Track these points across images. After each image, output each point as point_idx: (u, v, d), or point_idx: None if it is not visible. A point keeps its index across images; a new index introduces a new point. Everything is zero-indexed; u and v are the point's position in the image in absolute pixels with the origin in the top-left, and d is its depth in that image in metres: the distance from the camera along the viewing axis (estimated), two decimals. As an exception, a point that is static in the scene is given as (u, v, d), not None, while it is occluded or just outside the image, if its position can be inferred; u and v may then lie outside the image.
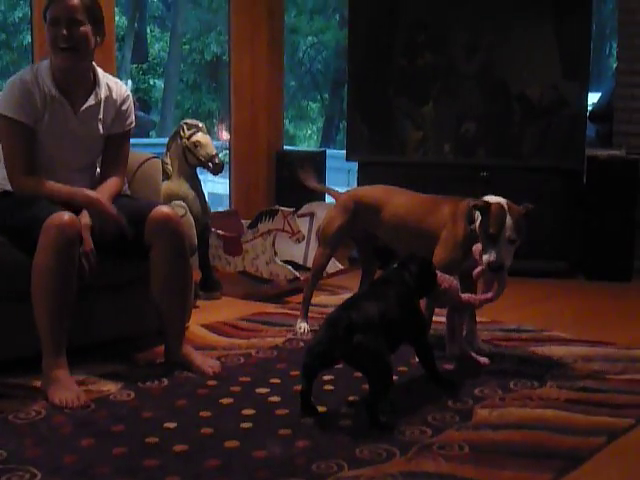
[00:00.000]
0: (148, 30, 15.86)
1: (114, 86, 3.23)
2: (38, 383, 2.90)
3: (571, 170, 5.09)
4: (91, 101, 3.15)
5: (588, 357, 3.39)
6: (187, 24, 15.21)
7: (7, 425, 2.63)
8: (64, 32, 2.99)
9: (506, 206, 3.02)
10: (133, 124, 3.30)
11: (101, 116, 3.19)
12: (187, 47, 15.36)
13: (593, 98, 5.78)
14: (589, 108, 5.40)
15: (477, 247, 3.08)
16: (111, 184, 3.19)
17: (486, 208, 3.03)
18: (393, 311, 2.75)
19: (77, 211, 2.96)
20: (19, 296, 2.89)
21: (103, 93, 3.17)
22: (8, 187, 3.13)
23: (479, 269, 3.05)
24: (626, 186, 4.94)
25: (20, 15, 13.67)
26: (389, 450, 2.46)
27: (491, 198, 3.10)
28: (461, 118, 5.16)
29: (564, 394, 2.96)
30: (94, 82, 3.17)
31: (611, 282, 4.89)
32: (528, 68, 5.06)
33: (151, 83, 15.61)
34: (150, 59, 15.73)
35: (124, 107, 3.25)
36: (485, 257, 3.01)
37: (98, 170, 3.32)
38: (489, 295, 3.11)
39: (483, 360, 3.26)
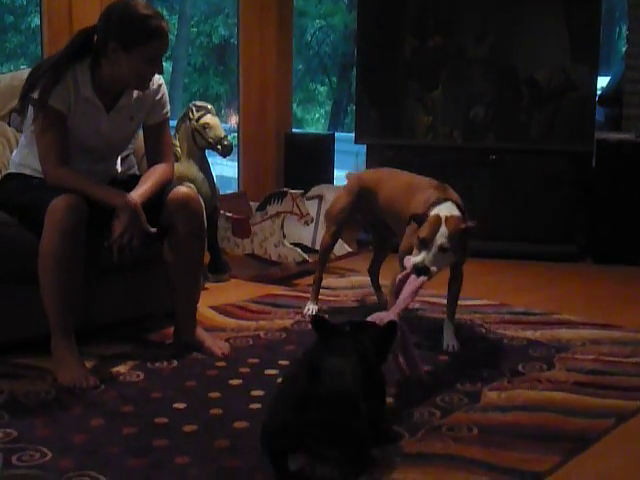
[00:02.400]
0: (155, 13, 15.80)
1: None
2: (48, 364, 2.91)
3: (580, 153, 5.08)
4: (124, 100, 3.08)
5: (596, 340, 3.39)
6: (195, 7, 15.17)
7: (17, 405, 2.65)
8: (160, 70, 3.00)
9: (444, 217, 2.93)
10: (169, 112, 3.24)
11: (133, 114, 3.13)
12: (195, 30, 15.32)
13: (602, 82, 5.75)
14: (598, 92, 5.37)
15: (407, 258, 2.97)
16: (157, 172, 3.11)
17: (422, 218, 2.97)
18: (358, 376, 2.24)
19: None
20: (28, 277, 2.89)
21: (136, 92, 3.09)
22: (23, 170, 3.11)
23: (403, 272, 2.90)
24: (635, 169, 4.92)
25: (27, -2, 13.66)
26: (398, 431, 2.47)
27: (440, 209, 2.99)
28: (470, 101, 5.15)
29: (572, 377, 2.97)
30: None
31: (619, 265, 4.88)
32: (537, 52, 5.04)
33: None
34: (158, 42, 15.67)
35: (158, 97, 3.17)
36: (412, 258, 2.90)
37: (120, 157, 3.32)
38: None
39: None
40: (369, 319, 2.59)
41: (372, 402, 2.27)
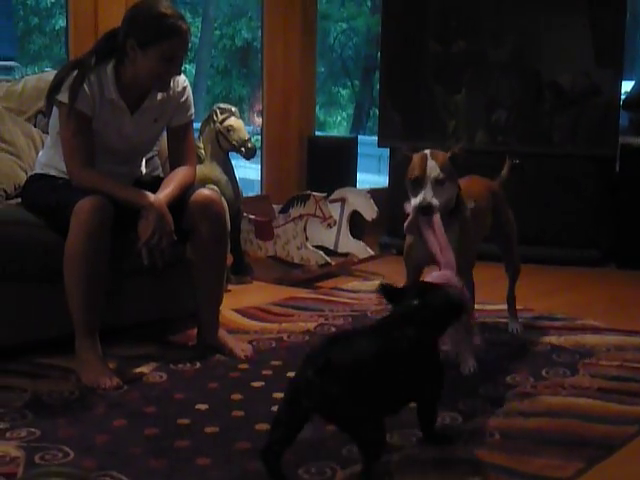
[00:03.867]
0: (179, 15, 15.87)
1: (172, 82, 3.13)
2: (71, 364, 2.92)
3: (604, 157, 5.05)
4: (148, 103, 3.08)
5: (621, 346, 3.37)
6: (218, 10, 15.21)
7: (41, 405, 2.66)
8: (174, 70, 2.98)
9: (429, 153, 2.84)
10: (193, 114, 3.24)
11: (158, 116, 3.14)
12: (218, 32, 15.36)
13: (627, 86, 5.72)
14: (622, 96, 5.34)
15: (407, 204, 2.87)
16: (180, 175, 3.11)
17: (407, 158, 2.87)
18: (398, 357, 2.20)
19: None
20: (53, 277, 2.91)
21: (161, 94, 3.10)
22: (49, 171, 3.13)
23: (408, 220, 2.82)
24: (660, 174, 4.89)
25: (52, 0, 13.74)
26: (420, 436, 2.46)
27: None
28: (493, 105, 5.13)
29: (596, 383, 2.95)
30: None
31: (644, 271, 4.85)
32: (561, 55, 5.02)
33: (182, 68, 15.62)
34: (181, 44, 15.73)
35: (182, 100, 3.17)
36: (412, 201, 2.79)
37: (144, 159, 3.34)
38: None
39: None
40: (434, 277, 2.54)
41: (427, 377, 2.30)
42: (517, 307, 3.61)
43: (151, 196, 2.94)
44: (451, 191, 2.86)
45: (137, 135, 3.14)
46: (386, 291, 2.37)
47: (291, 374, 2.92)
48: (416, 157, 2.84)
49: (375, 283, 4.34)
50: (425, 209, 2.75)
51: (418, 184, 2.79)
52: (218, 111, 4.24)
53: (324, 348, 2.11)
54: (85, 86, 2.95)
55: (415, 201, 2.77)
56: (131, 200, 2.93)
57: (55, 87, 2.99)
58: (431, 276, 2.56)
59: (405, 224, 2.81)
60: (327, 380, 2.01)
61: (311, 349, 2.23)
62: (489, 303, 3.79)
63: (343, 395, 2.02)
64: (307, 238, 4.49)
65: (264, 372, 3.00)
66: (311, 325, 3.60)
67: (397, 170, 2.99)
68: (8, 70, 8.36)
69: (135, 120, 3.09)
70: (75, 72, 2.97)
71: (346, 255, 4.76)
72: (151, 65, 2.94)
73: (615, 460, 2.39)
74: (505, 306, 3.59)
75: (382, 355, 2.14)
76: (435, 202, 2.75)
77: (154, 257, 2.92)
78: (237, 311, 3.78)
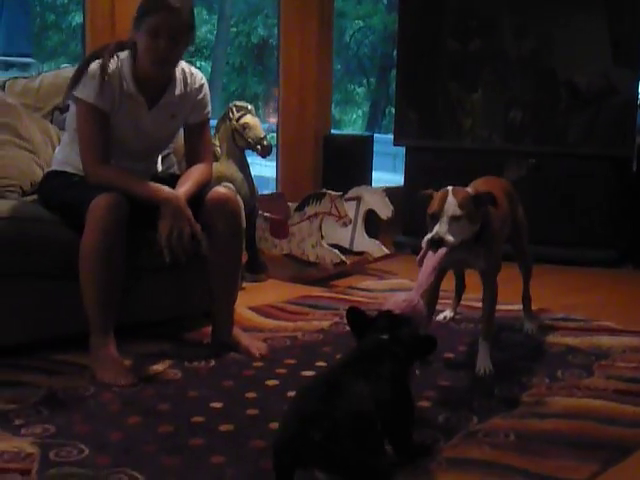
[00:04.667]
0: (196, 13, 15.90)
1: (189, 79, 3.14)
2: (87, 361, 2.93)
3: (621, 158, 5.02)
4: (166, 99, 3.08)
5: (637, 348, 3.35)
6: (234, 7, 15.21)
7: (56, 401, 2.67)
8: (163, 46, 2.91)
9: (450, 190, 2.82)
10: (210, 112, 3.23)
11: (175, 113, 3.14)
12: (234, 30, 15.36)
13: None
14: (639, 96, 5.32)
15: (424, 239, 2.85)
16: (197, 172, 3.10)
17: (429, 196, 2.86)
18: (384, 395, 2.12)
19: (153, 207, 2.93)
20: (69, 274, 2.92)
21: (178, 90, 3.09)
22: (65, 168, 3.14)
23: (420, 253, 2.77)
24: (678, 175, 4.87)
25: (69, -4, 13.77)
26: (434, 436, 2.46)
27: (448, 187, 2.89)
28: (510, 104, 5.12)
29: (612, 384, 2.93)
30: (170, 77, 3.09)
31: (660, 272, 4.83)
32: (578, 55, 5.00)
33: (198, 65, 15.64)
34: (197, 41, 15.77)
35: (200, 97, 3.17)
36: (427, 235, 2.76)
37: (161, 156, 3.35)
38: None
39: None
40: (390, 302, 2.45)
41: (399, 411, 2.20)
42: (533, 308, 3.60)
43: (168, 191, 2.94)
44: (468, 229, 2.81)
45: (154, 131, 3.14)
46: (353, 320, 2.33)
47: (305, 373, 2.95)
48: (438, 193, 2.84)
49: (392, 282, 4.36)
50: (436, 243, 2.72)
51: (435, 219, 2.78)
52: (234, 109, 4.24)
53: (320, 404, 1.96)
54: (104, 81, 2.95)
55: (428, 235, 2.75)
56: (147, 195, 2.93)
57: (74, 83, 3.00)
58: (396, 301, 2.47)
59: (417, 257, 2.77)
60: (339, 442, 1.90)
61: (299, 404, 2.05)
62: (504, 303, 3.77)
63: (355, 451, 1.92)
64: (322, 236, 4.48)
65: (278, 370, 3.00)
66: (326, 324, 3.60)
67: (416, 210, 2.93)
68: (25, 67, 8.38)
69: (152, 115, 3.09)
70: (93, 67, 2.97)
71: (361, 254, 4.76)
72: (142, 44, 2.94)
73: (630, 463, 2.38)
74: (520, 306, 3.58)
75: (374, 398, 2.05)
76: (449, 238, 2.72)
77: (176, 253, 2.90)
78: (252, 309, 3.78)
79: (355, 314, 2.36)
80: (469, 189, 2.91)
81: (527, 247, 3.47)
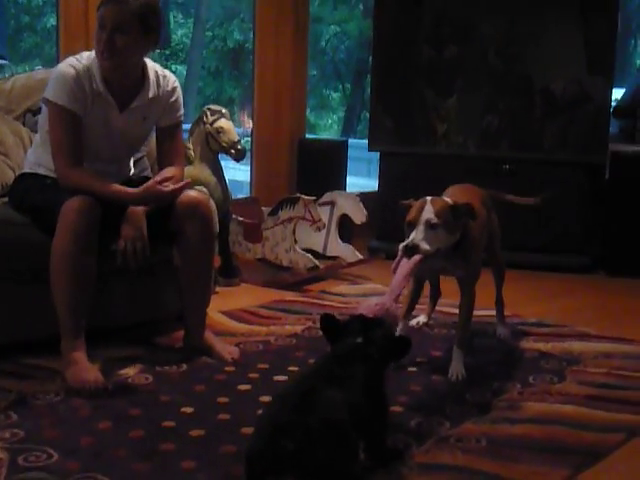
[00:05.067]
0: (171, 16, 15.86)
1: (162, 81, 3.14)
2: (57, 365, 2.90)
3: (594, 165, 5.06)
4: (137, 102, 3.07)
5: (609, 353, 3.37)
6: (210, 11, 15.20)
7: (25, 406, 2.64)
8: (105, 38, 2.91)
9: (429, 199, 2.83)
10: (182, 115, 3.24)
11: (147, 115, 3.13)
12: (210, 34, 15.35)
13: (617, 93, 5.73)
14: (613, 103, 5.36)
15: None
16: (168, 175, 3.07)
17: (408, 206, 2.86)
18: (358, 399, 2.11)
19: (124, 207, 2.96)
20: (39, 277, 2.90)
21: (151, 92, 3.09)
22: (37, 170, 3.12)
23: (395, 260, 2.76)
24: (650, 182, 4.90)
25: (44, -2, 13.70)
26: (406, 441, 2.45)
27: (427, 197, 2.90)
28: (485, 111, 5.14)
29: (584, 390, 2.95)
30: (143, 80, 3.08)
31: (633, 278, 4.86)
32: (553, 62, 5.03)
33: (173, 69, 15.62)
34: (173, 45, 15.73)
35: (172, 100, 3.17)
36: (402, 243, 2.77)
37: (132, 160, 3.33)
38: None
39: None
40: (363, 306, 2.47)
41: (374, 414, 2.19)
42: (506, 313, 3.61)
43: (134, 191, 2.96)
44: (445, 238, 2.81)
45: (126, 133, 3.13)
46: (326, 326, 2.33)
47: (278, 377, 2.94)
48: (416, 203, 2.85)
49: (365, 287, 4.36)
50: (411, 250, 2.71)
51: (411, 227, 2.78)
52: (208, 112, 4.22)
53: (293, 413, 1.94)
54: (74, 83, 2.95)
55: (404, 242, 2.75)
56: (118, 199, 2.93)
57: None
58: (368, 305, 2.47)
59: (392, 264, 2.75)
60: (313, 452, 1.88)
61: (272, 413, 2.03)
62: (477, 309, 3.78)
63: (329, 460, 1.91)
64: (296, 241, 4.48)
65: (251, 375, 2.98)
66: (298, 328, 3.59)
67: (391, 216, 2.91)
68: (-1, 68, 8.34)
69: (124, 118, 3.08)
70: (63, 68, 2.97)
71: (335, 259, 4.76)
72: (94, 34, 2.97)
73: (601, 468, 2.39)
74: (493, 312, 3.59)
75: (348, 404, 2.03)
76: (424, 245, 2.72)
77: (128, 260, 2.96)
78: (224, 313, 3.77)
79: (327, 320, 2.35)
80: (448, 199, 2.91)
81: (500, 252, 3.48)
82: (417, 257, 2.70)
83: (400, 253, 2.73)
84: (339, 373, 2.13)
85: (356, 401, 2.08)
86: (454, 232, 2.85)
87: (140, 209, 2.99)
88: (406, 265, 2.70)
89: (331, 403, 2.00)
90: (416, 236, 2.74)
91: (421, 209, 2.79)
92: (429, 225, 2.76)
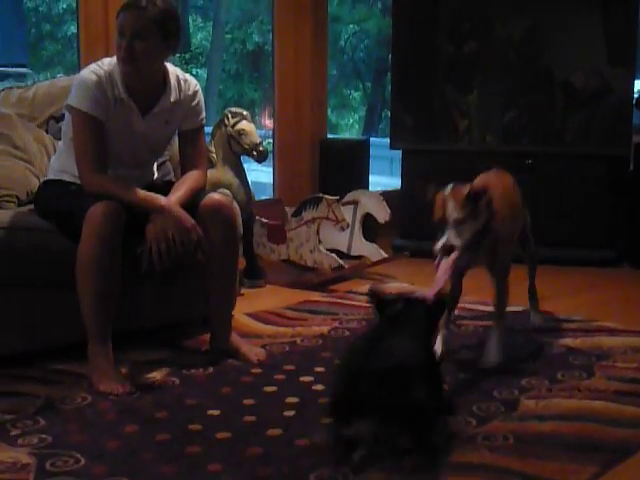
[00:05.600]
0: (190, 20, 15.91)
1: (183, 85, 3.14)
2: (84, 370, 2.92)
3: (617, 157, 5.02)
4: (159, 106, 3.08)
5: (637, 348, 3.33)
6: (229, 13, 15.22)
7: (53, 410, 2.66)
8: (125, 44, 2.93)
9: (448, 192, 2.94)
10: (204, 119, 3.24)
11: (169, 119, 3.14)
12: (229, 36, 15.37)
13: (639, 85, 5.69)
14: (635, 95, 5.31)
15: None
16: (191, 179, 3.11)
17: (430, 195, 3.00)
18: (418, 353, 2.38)
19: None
20: (65, 283, 2.91)
21: (173, 97, 3.10)
22: (61, 176, 3.14)
23: (436, 260, 2.93)
24: (674, 174, 4.86)
25: (64, 6, 13.76)
26: (435, 440, 2.44)
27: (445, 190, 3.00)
28: (506, 106, 5.11)
29: (613, 385, 2.92)
30: (164, 84, 3.09)
31: (659, 271, 4.82)
32: (573, 55, 5.00)
33: (194, 73, 15.65)
34: (193, 48, 15.78)
35: (194, 103, 3.18)
36: (437, 243, 2.91)
37: (155, 164, 3.34)
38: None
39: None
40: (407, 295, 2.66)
41: (430, 366, 2.42)
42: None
43: (163, 199, 2.94)
44: (473, 227, 2.93)
45: (149, 137, 3.14)
46: (374, 298, 2.54)
47: (304, 378, 2.94)
48: (438, 198, 2.95)
49: (390, 285, 4.35)
50: (447, 251, 2.86)
51: (441, 226, 2.90)
52: (229, 115, 4.23)
53: (369, 358, 2.23)
54: (97, 89, 2.96)
55: (439, 243, 2.88)
56: (142, 204, 2.93)
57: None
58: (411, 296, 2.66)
59: (435, 263, 2.91)
60: (389, 392, 2.15)
61: (349, 363, 2.32)
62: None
63: (404, 399, 2.17)
64: (320, 241, 4.47)
65: (277, 377, 2.98)
66: (325, 329, 3.59)
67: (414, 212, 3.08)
68: (21, 77, 8.39)
69: (146, 122, 3.09)
70: (86, 75, 2.99)
71: (359, 258, 4.75)
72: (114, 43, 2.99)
73: (631, 464, 2.36)
74: (520, 308, 3.56)
75: (411, 353, 2.31)
76: (457, 242, 2.86)
77: (158, 262, 2.92)
78: (250, 315, 3.77)
79: (374, 293, 2.55)
80: (463, 187, 2.96)
81: (532, 239, 3.54)
82: (454, 254, 2.84)
83: (439, 254, 2.87)
84: (396, 331, 2.38)
85: (415, 352, 2.32)
86: (478, 217, 2.94)
87: (175, 201, 2.97)
88: (446, 264, 2.85)
89: (398, 351, 2.27)
90: (449, 236, 2.86)
91: (445, 206, 2.89)
92: (457, 222, 2.87)
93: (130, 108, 3.04)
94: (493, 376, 2.98)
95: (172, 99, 3.11)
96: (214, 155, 4.19)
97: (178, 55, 15.27)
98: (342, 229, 4.55)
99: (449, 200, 2.88)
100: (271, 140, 5.70)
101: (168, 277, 3.04)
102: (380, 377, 2.17)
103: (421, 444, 2.27)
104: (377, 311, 2.53)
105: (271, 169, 5.60)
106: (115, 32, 2.98)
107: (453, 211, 2.87)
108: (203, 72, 14.65)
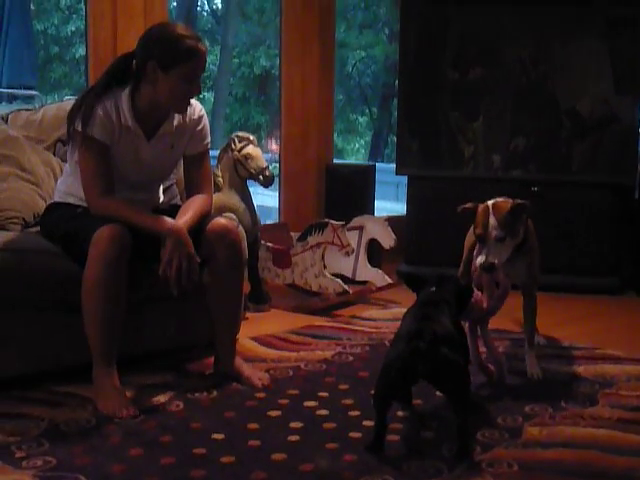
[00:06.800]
0: (199, 44, 16.00)
1: (188, 110, 3.15)
2: (89, 392, 2.92)
3: (622, 185, 5.03)
4: (164, 129, 3.10)
5: (641, 376, 3.34)
6: (237, 38, 15.32)
7: (58, 433, 2.66)
8: (196, 88, 3.00)
9: (491, 206, 3.04)
10: (209, 143, 3.26)
11: (174, 143, 3.16)
12: (237, 60, 15.47)
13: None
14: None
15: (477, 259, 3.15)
16: (197, 202, 3.12)
17: (473, 211, 3.09)
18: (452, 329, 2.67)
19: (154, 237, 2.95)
20: (71, 305, 2.92)
21: (177, 120, 3.12)
22: (68, 199, 3.16)
23: (476, 275, 3.12)
24: (680, 202, 4.87)
25: (73, 29, 13.87)
26: (437, 466, 2.44)
27: (492, 200, 3.11)
28: (511, 133, 5.13)
29: (617, 413, 2.91)
30: (168, 109, 3.11)
31: (664, 299, 4.82)
32: (579, 82, 5.02)
33: (201, 96, 15.72)
34: (200, 72, 15.86)
35: (199, 128, 3.19)
36: (477, 259, 3.06)
37: (162, 188, 3.36)
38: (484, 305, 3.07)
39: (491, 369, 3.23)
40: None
41: (462, 342, 2.73)
42: (536, 336, 3.59)
43: (170, 222, 2.95)
44: (512, 244, 3.06)
45: (154, 161, 3.15)
46: (411, 280, 2.90)
47: (308, 403, 2.94)
48: (480, 211, 3.05)
49: (395, 311, 4.35)
50: (487, 269, 3.00)
51: (482, 242, 3.02)
52: (236, 139, 4.25)
53: (423, 325, 2.51)
54: (101, 113, 2.98)
55: (479, 260, 3.00)
56: (149, 227, 2.94)
57: (73, 116, 3.01)
58: None
59: (474, 278, 3.09)
60: (440, 349, 2.44)
61: (407, 329, 2.56)
62: (508, 332, 3.77)
63: (450, 356, 2.46)
64: (325, 266, 4.48)
65: (281, 401, 2.98)
66: (329, 354, 3.59)
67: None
68: (29, 99, 8.43)
69: (152, 146, 3.11)
70: (90, 100, 3.00)
71: (364, 283, 4.76)
72: (172, 87, 2.96)
73: (636, 492, 2.37)
74: (523, 335, 3.55)
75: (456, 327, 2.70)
76: (497, 261, 2.99)
77: (173, 284, 2.91)
78: (254, 339, 3.77)
79: (411, 275, 2.96)
80: (505, 200, 3.08)
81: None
82: (500, 275, 3.04)
83: (479, 271, 3.03)
84: (433, 310, 2.67)
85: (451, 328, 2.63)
86: (517, 235, 3.08)
87: (182, 225, 2.96)
88: (502, 287, 3.07)
89: (443, 320, 2.61)
90: (489, 254, 3.00)
91: (486, 221, 3.00)
92: (497, 239, 3.00)
93: (136, 134, 3.06)
94: (497, 403, 2.98)
95: (175, 123, 3.12)
96: (220, 179, 4.21)
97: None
98: (347, 254, 4.57)
99: (491, 217, 2.98)
100: (277, 164, 5.72)
101: (183, 296, 3.03)
102: (432, 335, 2.43)
103: (460, 401, 2.51)
104: (414, 291, 2.86)
105: (277, 193, 5.61)
106: (176, 79, 2.96)
107: (494, 229, 2.97)
108: (210, 95, 14.73)
